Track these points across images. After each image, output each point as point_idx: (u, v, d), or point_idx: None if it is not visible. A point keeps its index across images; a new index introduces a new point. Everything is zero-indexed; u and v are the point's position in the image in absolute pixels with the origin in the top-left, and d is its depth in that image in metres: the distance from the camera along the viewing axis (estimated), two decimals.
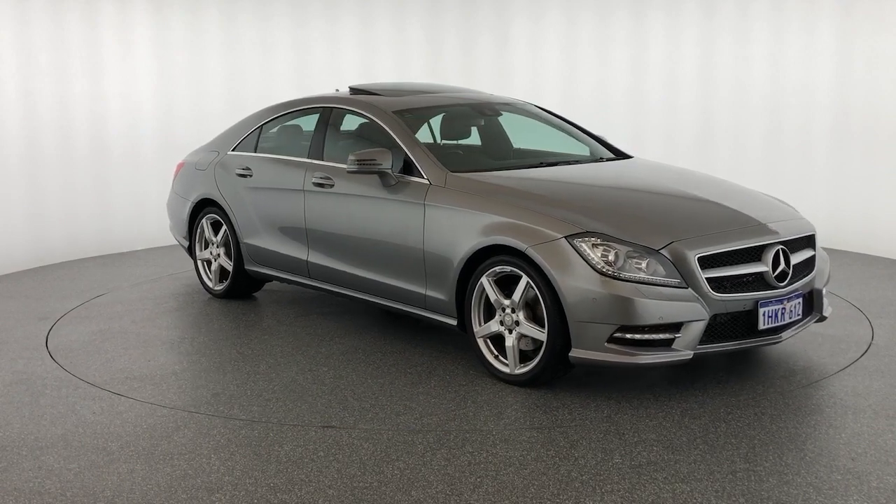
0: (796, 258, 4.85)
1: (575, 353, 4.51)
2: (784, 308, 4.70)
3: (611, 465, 3.84)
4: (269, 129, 6.76)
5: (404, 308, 5.46)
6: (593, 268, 4.45)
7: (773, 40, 9.16)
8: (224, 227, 6.77)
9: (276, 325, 6.21)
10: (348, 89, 6.49)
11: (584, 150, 6.16)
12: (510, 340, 4.77)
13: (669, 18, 9.84)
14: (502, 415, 4.45)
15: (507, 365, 4.81)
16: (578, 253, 4.50)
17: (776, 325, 4.68)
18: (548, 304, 4.56)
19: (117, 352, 5.68)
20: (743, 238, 4.68)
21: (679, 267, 4.48)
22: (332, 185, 5.85)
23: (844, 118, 8.61)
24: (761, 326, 4.62)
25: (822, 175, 8.82)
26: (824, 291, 5.12)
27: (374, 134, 5.83)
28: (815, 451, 3.95)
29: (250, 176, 6.55)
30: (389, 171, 5.41)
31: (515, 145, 6.40)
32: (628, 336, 4.41)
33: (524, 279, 4.65)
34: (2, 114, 8.21)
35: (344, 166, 5.67)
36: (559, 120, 6.43)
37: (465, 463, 3.87)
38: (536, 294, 4.62)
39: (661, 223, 4.72)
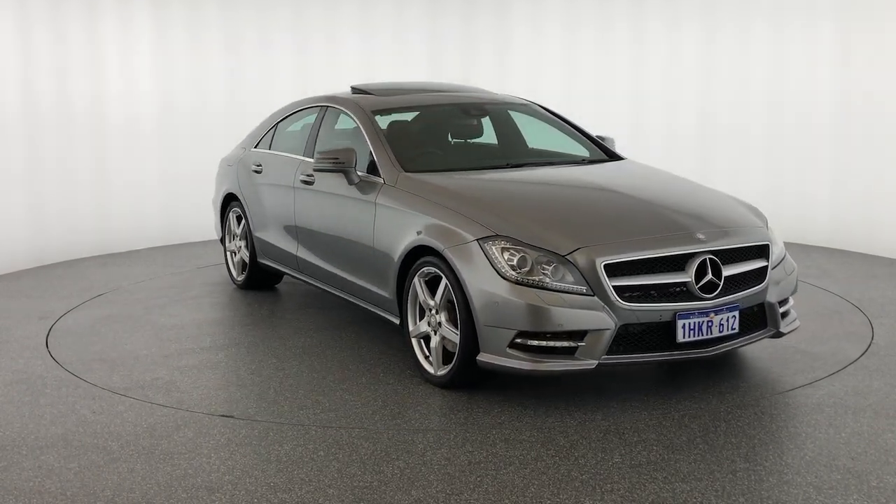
0: (734, 269, 4.58)
1: (482, 356, 4.48)
2: (711, 321, 4.43)
3: (610, 464, 3.84)
4: (283, 127, 6.95)
5: (362, 304, 5.58)
6: (498, 271, 4.40)
7: (774, 40, 9.16)
8: (243, 221, 7.05)
9: (267, 317, 6.38)
10: (350, 89, 6.55)
11: (579, 150, 6.09)
12: (434, 341, 4.78)
13: (669, 19, 9.84)
14: (401, 415, 4.46)
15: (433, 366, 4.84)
16: (487, 256, 4.45)
17: (701, 338, 4.42)
18: (460, 307, 4.54)
19: (105, 335, 5.96)
20: (662, 246, 4.45)
21: (586, 274, 4.33)
22: (312, 182, 5.99)
23: (845, 118, 8.61)
24: (680, 339, 4.38)
25: (823, 175, 8.82)
26: (789, 303, 4.94)
27: (358, 133, 5.89)
28: (815, 450, 3.95)
29: (260, 172, 6.78)
30: (351, 170, 5.49)
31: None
32: (530, 342, 4.34)
33: (443, 280, 4.66)
34: (2, 113, 8.21)
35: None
36: (556, 119, 6.39)
37: (464, 462, 3.87)
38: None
39: (577, 228, 4.56)
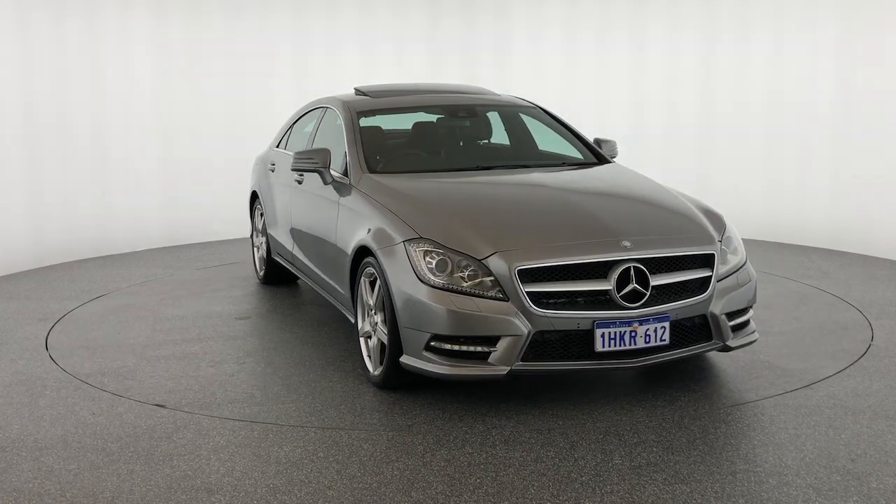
0: (666, 279, 4.42)
1: (404, 358, 4.50)
2: (634, 332, 4.28)
3: (610, 465, 3.84)
4: (298, 128, 7.11)
5: (332, 302, 5.70)
6: (416, 274, 4.40)
7: (774, 40, 9.17)
8: (264, 218, 7.31)
9: (266, 312, 6.60)
10: (353, 91, 6.62)
11: (572, 152, 6.05)
12: (373, 341, 4.83)
13: (670, 20, 9.84)
14: (321, 412, 4.52)
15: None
16: (409, 258, 4.47)
17: (623, 349, 4.28)
18: (388, 307, 4.57)
19: (108, 323, 6.27)
20: (582, 253, 4.34)
21: (501, 279, 4.28)
22: (302, 182, 6.16)
23: (844, 119, 8.61)
24: (599, 349, 4.26)
25: (823, 176, 8.82)
26: (745, 315, 4.76)
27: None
28: (814, 452, 3.95)
29: (274, 171, 7.00)
30: (325, 170, 5.59)
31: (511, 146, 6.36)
32: (445, 346, 4.32)
33: (378, 281, 4.70)
34: (2, 114, 8.21)
35: None
36: (554, 121, 6.35)
37: (464, 464, 3.88)
38: None
39: (499, 233, 4.50)
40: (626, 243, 4.41)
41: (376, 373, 4.80)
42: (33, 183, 8.48)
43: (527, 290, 4.26)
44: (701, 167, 9.69)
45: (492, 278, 4.31)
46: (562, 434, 4.18)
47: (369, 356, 4.92)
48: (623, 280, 4.32)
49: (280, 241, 6.77)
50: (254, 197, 7.60)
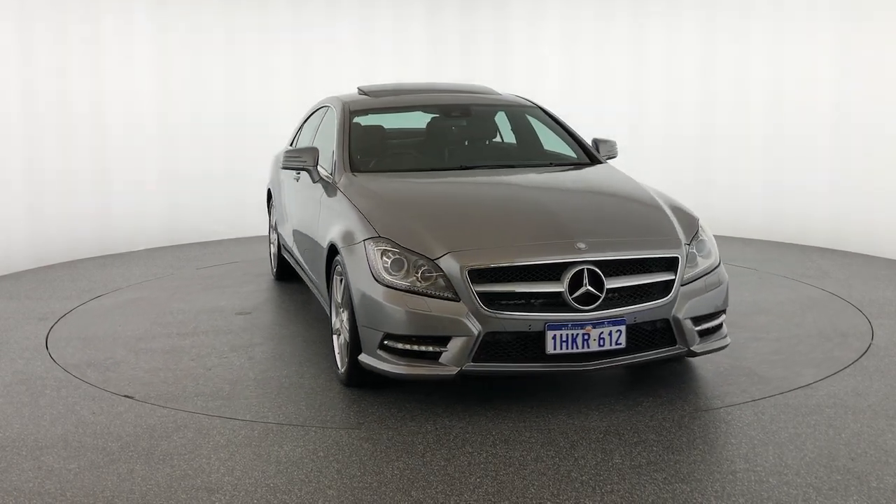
0: (624, 281, 4.34)
1: (362, 357, 4.53)
2: (587, 334, 4.23)
3: (611, 465, 3.84)
4: (308, 126, 7.16)
5: (318, 298, 5.78)
6: (373, 272, 4.42)
7: (774, 39, 9.17)
8: (275, 215, 7.46)
9: (271, 308, 6.69)
10: (357, 90, 6.64)
11: (568, 152, 6.03)
12: (340, 338, 4.87)
13: (669, 18, 9.85)
14: (278, 408, 4.57)
15: None
16: (367, 257, 4.49)
17: (575, 351, 4.24)
18: (349, 305, 4.60)
19: (112, 315, 6.41)
20: (535, 254, 4.30)
21: (453, 279, 4.27)
22: (298, 180, 6.27)
23: (845, 118, 8.61)
24: (550, 351, 4.22)
25: (823, 175, 8.82)
26: (715, 320, 4.65)
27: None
28: (814, 451, 3.95)
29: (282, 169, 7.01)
30: (312, 169, 5.67)
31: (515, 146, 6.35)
32: (398, 346, 4.34)
33: (343, 278, 4.73)
34: (2, 113, 8.21)
35: None
36: (550, 119, 6.32)
37: (464, 463, 3.88)
38: None
39: (454, 233, 4.49)
40: (581, 245, 4.35)
41: (343, 370, 4.83)
42: (33, 182, 8.48)
43: (477, 290, 4.25)
44: (701, 166, 9.69)
45: (445, 278, 4.31)
46: (562, 434, 4.18)
47: (339, 353, 4.95)
48: (577, 282, 4.28)
49: (285, 237, 6.88)
50: (270, 194, 7.72)
